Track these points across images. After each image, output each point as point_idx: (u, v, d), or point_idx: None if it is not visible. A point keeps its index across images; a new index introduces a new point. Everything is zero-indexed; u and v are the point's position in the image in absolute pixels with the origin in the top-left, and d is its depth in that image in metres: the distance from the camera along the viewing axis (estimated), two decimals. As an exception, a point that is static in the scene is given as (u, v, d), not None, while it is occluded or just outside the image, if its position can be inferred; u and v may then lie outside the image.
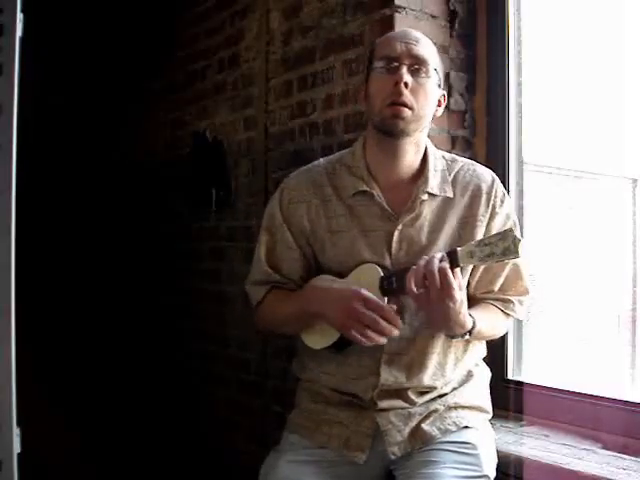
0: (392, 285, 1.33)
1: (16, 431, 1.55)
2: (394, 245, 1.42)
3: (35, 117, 2.30)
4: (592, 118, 1.94)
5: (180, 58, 2.91)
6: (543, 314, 2.00)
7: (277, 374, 2.30)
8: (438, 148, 1.58)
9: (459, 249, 1.24)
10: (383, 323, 1.29)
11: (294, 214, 1.50)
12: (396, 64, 1.38)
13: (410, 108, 1.37)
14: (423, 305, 1.30)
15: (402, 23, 1.88)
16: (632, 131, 1.83)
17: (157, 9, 3.07)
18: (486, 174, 1.51)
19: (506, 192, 1.52)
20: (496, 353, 1.91)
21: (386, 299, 1.35)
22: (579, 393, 1.74)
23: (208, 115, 2.72)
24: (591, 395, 1.71)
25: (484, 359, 1.60)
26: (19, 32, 1.57)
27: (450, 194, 1.46)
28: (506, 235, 1.18)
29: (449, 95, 1.98)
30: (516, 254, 1.17)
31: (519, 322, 1.92)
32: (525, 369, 1.92)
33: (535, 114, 1.96)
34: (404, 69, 1.38)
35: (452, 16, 1.99)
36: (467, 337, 1.37)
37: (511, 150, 1.94)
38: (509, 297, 1.50)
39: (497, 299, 1.50)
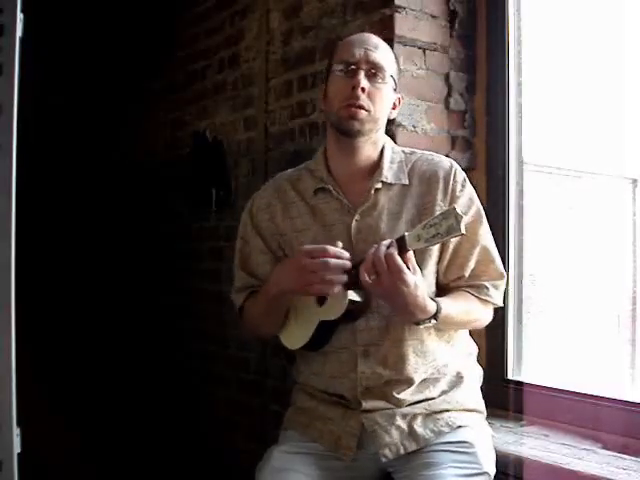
0: (354, 278, 1.34)
1: (16, 431, 1.55)
2: (354, 236, 1.45)
3: (35, 117, 2.30)
4: (592, 118, 1.94)
5: (180, 58, 2.91)
6: (543, 314, 2.00)
7: (276, 373, 2.30)
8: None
9: (406, 234, 1.27)
10: (334, 261, 1.32)
11: (262, 220, 1.58)
12: (354, 68, 1.44)
13: (367, 110, 1.43)
14: (379, 293, 1.32)
15: (402, 23, 1.88)
16: (632, 131, 1.83)
17: (157, 9, 3.07)
18: (444, 161, 1.53)
19: (466, 178, 1.52)
20: (496, 353, 1.91)
21: (350, 292, 1.35)
22: (579, 393, 1.74)
23: (208, 115, 2.72)
24: (591, 395, 1.71)
25: (479, 359, 1.60)
26: (19, 32, 1.57)
27: (405, 181, 1.49)
28: (448, 214, 1.19)
29: (449, 95, 1.99)
30: (459, 231, 1.18)
31: (519, 322, 1.92)
32: (525, 369, 1.92)
33: (535, 114, 1.96)
34: (362, 74, 1.43)
35: (452, 16, 1.99)
36: (434, 322, 1.36)
37: (511, 150, 1.94)
38: (482, 282, 1.48)
39: (470, 286, 1.48)
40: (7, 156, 1.54)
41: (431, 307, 1.34)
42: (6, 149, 1.54)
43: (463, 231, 1.18)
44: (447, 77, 1.99)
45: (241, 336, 2.50)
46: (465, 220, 1.19)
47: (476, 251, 1.47)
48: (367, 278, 1.29)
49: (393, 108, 1.53)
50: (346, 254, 1.34)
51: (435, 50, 1.96)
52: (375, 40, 1.50)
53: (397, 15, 1.88)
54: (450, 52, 1.99)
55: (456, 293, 1.48)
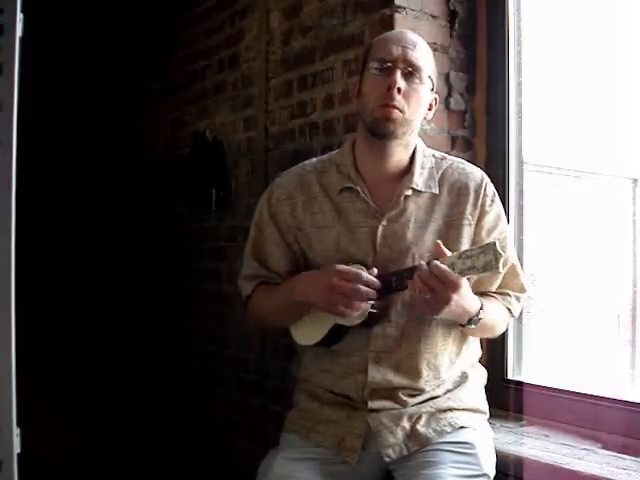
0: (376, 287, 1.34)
1: (16, 431, 1.55)
2: (378, 241, 1.43)
3: (35, 117, 2.30)
4: (592, 118, 1.94)
5: (180, 58, 2.91)
6: (543, 314, 2.00)
7: (276, 373, 2.30)
8: (432, 147, 1.58)
9: (440, 259, 1.25)
10: (364, 289, 1.32)
11: (281, 211, 1.53)
12: (390, 67, 1.40)
13: (401, 111, 1.39)
14: (430, 307, 1.30)
15: (402, 23, 1.88)
16: (632, 131, 1.83)
17: (157, 9, 3.07)
18: (476, 172, 1.51)
19: (496, 192, 1.51)
20: (496, 353, 1.91)
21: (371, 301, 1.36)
22: (579, 393, 1.74)
23: (208, 115, 2.72)
24: (591, 395, 1.72)
25: (480, 360, 1.61)
26: (19, 32, 1.57)
27: (435, 190, 1.46)
28: (488, 249, 1.17)
29: (449, 95, 1.99)
30: (497, 269, 1.16)
31: (519, 322, 1.92)
32: (525, 369, 1.92)
33: (535, 114, 1.96)
34: (398, 73, 1.39)
35: (452, 16, 1.99)
36: (480, 321, 1.37)
37: (511, 150, 1.94)
38: (506, 291, 1.51)
39: (496, 292, 1.51)
40: (7, 156, 1.54)
41: (476, 303, 1.35)
42: (6, 149, 1.54)
43: (501, 270, 1.17)
44: (447, 77, 1.99)
45: (241, 336, 2.50)
46: (504, 257, 1.17)
47: (505, 269, 1.46)
48: (418, 295, 1.27)
49: (429, 109, 1.49)
50: (377, 283, 1.33)
51: (435, 50, 1.95)
52: (413, 38, 1.45)
53: (397, 15, 1.88)
54: (450, 52, 1.99)
55: (486, 297, 1.48)
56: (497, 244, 1.17)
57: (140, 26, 3.19)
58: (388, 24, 1.87)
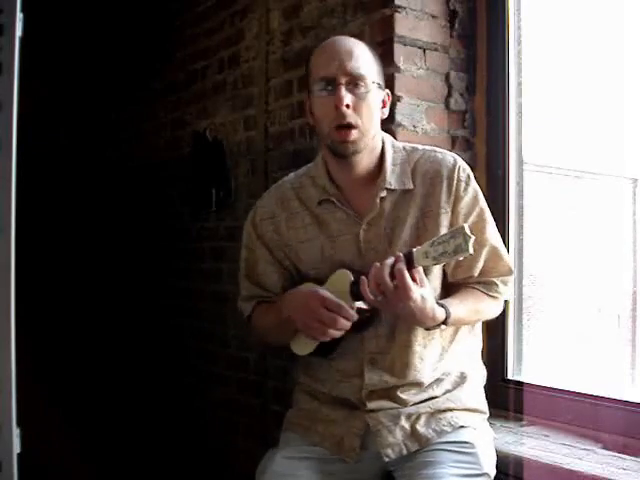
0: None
1: (16, 431, 1.55)
2: (362, 245, 1.44)
3: (34, 116, 2.30)
4: (592, 118, 1.94)
5: (180, 58, 2.91)
6: (543, 314, 2.00)
7: (277, 374, 2.30)
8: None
9: (414, 250, 1.25)
10: (342, 321, 1.33)
11: (266, 230, 1.55)
12: (333, 83, 1.38)
13: (355, 127, 1.39)
14: (385, 309, 1.34)
15: (402, 23, 1.88)
16: (632, 131, 1.83)
17: (157, 9, 3.07)
18: (448, 158, 1.49)
19: (471, 174, 1.49)
20: (496, 353, 1.91)
21: (357, 303, 1.36)
22: (579, 393, 1.74)
23: (208, 115, 2.72)
24: (591, 395, 1.71)
25: (482, 359, 1.60)
26: (19, 32, 1.58)
27: (410, 186, 1.46)
28: (457, 233, 1.18)
29: (449, 95, 1.99)
30: (467, 251, 1.17)
31: (519, 322, 1.92)
32: (525, 369, 1.92)
33: (535, 114, 1.96)
34: (342, 90, 1.37)
35: (452, 16, 1.99)
36: (443, 327, 1.37)
37: (511, 150, 1.94)
38: (491, 279, 1.48)
39: (479, 282, 1.48)
40: (7, 156, 1.55)
41: (440, 314, 1.34)
42: (6, 148, 1.54)
43: (471, 252, 1.17)
44: (447, 77, 1.99)
45: (241, 336, 2.50)
46: (472, 240, 1.17)
47: (484, 251, 1.46)
48: (371, 297, 1.28)
49: (383, 107, 1.47)
50: (355, 316, 1.33)
51: (435, 50, 1.96)
52: (349, 44, 1.42)
53: (397, 15, 1.88)
54: (450, 52, 1.99)
55: (465, 291, 1.47)
56: (466, 227, 1.18)
57: (140, 26, 3.19)
58: (388, 24, 1.87)
